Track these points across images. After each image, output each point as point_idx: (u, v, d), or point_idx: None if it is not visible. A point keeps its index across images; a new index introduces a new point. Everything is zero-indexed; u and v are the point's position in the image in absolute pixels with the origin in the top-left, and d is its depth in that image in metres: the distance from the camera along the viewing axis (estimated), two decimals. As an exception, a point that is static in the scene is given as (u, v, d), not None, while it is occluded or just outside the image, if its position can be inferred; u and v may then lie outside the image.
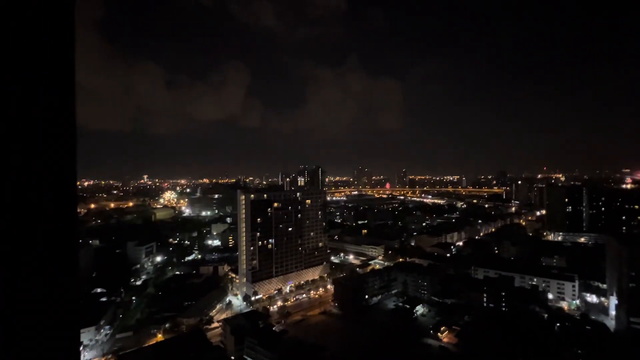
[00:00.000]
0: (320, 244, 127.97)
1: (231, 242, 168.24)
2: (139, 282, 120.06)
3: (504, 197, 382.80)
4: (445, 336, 80.00)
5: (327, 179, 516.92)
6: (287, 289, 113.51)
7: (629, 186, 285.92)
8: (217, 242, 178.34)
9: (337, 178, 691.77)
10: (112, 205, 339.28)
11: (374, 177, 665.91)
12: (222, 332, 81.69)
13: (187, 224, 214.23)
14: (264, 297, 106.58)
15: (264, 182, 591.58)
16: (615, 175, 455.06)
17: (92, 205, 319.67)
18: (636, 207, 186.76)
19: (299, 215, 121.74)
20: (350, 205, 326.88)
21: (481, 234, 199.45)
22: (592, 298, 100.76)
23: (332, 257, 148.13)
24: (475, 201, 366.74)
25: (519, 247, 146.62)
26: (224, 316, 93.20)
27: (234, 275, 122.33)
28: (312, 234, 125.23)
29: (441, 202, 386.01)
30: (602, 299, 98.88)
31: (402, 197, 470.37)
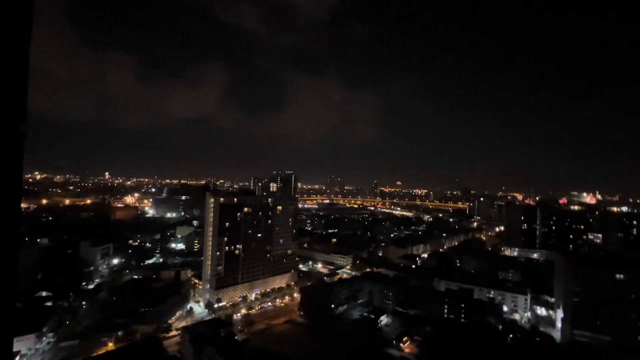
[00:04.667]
0: (289, 252, 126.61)
1: (196, 246, 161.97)
2: (91, 286, 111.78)
3: (467, 212, 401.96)
4: (407, 346, 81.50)
5: (299, 187, 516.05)
6: (253, 297, 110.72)
7: (576, 208, 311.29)
8: (181, 246, 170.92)
9: (310, 186, 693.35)
10: (66, 201, 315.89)
11: (346, 187, 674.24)
12: (181, 340, 77.74)
13: (150, 226, 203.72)
14: (228, 305, 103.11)
15: (235, 186, 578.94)
16: (564, 197, 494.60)
17: (44, 201, 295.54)
18: (581, 227, 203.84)
19: (270, 221, 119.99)
20: (321, 214, 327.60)
21: (445, 247, 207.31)
22: (541, 311, 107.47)
23: (301, 265, 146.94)
24: (440, 215, 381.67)
25: (479, 261, 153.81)
26: (183, 324, 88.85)
27: (197, 281, 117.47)
28: (281, 241, 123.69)
29: (409, 214, 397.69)
30: (550, 312, 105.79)
31: (372, 208, 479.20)
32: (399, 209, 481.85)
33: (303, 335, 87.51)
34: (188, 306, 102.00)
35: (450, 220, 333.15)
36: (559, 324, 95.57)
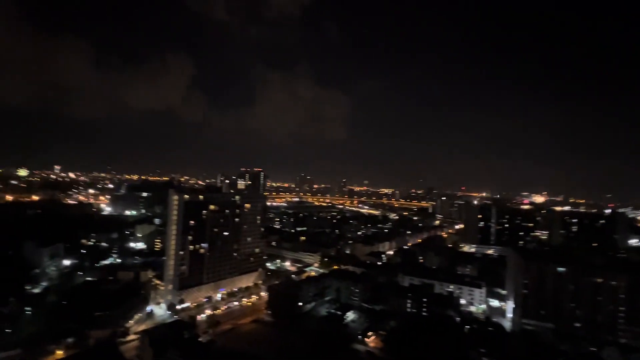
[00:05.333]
0: (257, 250, 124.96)
1: (158, 246, 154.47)
2: (37, 290, 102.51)
3: (430, 211, 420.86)
4: (372, 341, 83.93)
5: (268, 184, 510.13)
6: (219, 297, 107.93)
7: (526, 207, 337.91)
8: (141, 245, 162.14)
9: (279, 184, 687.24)
10: (9, 197, 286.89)
11: (315, 185, 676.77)
12: (140, 344, 73.88)
13: (107, 224, 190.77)
14: (192, 306, 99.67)
15: (201, 183, 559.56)
16: (516, 197, 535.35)
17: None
18: (530, 225, 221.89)
19: (237, 219, 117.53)
20: (290, 212, 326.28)
21: (409, 244, 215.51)
22: (494, 303, 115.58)
23: (269, 264, 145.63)
24: (405, 213, 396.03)
25: (440, 257, 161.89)
26: (142, 327, 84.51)
27: (158, 281, 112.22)
28: (249, 239, 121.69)
29: (376, 212, 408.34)
30: (502, 303, 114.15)
31: (341, 206, 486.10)
32: (366, 207, 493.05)
33: (270, 334, 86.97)
34: (148, 308, 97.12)
35: (415, 218, 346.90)
36: (509, 314, 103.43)
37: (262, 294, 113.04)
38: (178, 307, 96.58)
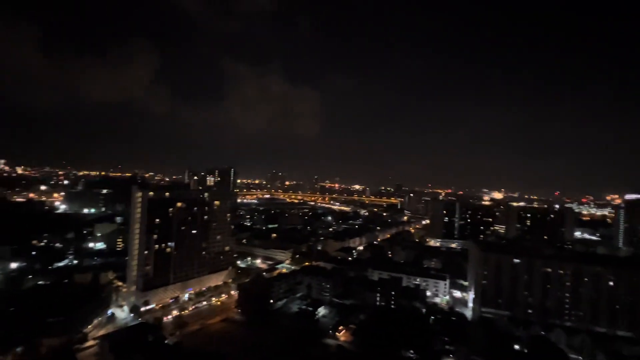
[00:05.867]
0: (227, 248, 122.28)
1: (120, 246, 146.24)
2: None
3: (399, 207, 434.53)
4: (342, 335, 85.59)
5: (239, 181, 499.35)
6: (186, 297, 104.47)
7: (486, 203, 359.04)
8: (101, 245, 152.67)
9: (250, 180, 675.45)
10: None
11: (287, 182, 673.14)
12: (99, 350, 69.85)
13: (61, 223, 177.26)
14: (157, 307, 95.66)
15: (167, 179, 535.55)
16: (477, 194, 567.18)
17: None
18: (490, 219, 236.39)
19: (206, 217, 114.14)
20: (261, 209, 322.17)
21: (379, 239, 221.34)
22: (457, 293, 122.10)
23: (239, 262, 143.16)
24: (375, 210, 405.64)
25: (408, 251, 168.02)
26: (103, 332, 79.92)
27: (120, 283, 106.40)
28: (218, 237, 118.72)
29: (347, 209, 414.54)
30: (464, 294, 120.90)
31: (312, 203, 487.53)
32: (337, 204, 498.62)
33: (240, 332, 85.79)
34: (109, 312, 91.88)
35: (384, 214, 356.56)
36: (470, 304, 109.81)
37: (233, 292, 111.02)
38: (142, 309, 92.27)
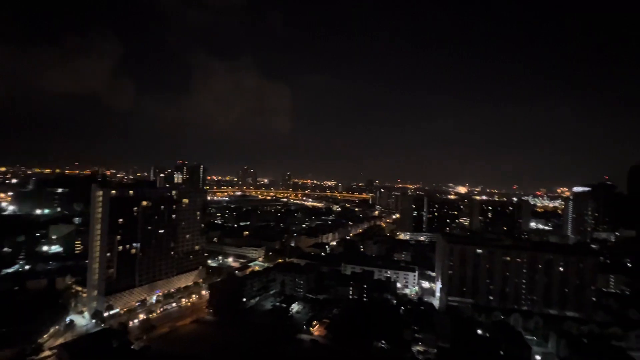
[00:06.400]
0: (197, 247, 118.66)
1: (79, 248, 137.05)
2: None
3: (371, 202, 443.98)
4: (316, 330, 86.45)
5: (209, 178, 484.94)
6: (154, 299, 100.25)
7: (452, 197, 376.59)
8: (57, 248, 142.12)
9: (220, 177, 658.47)
10: None
11: (259, 179, 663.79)
12: (58, 360, 65.37)
13: (9, 226, 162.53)
14: (122, 312, 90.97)
15: (131, 177, 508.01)
16: (444, 188, 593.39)
17: None
18: (455, 212, 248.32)
19: (174, 215, 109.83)
20: (233, 206, 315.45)
21: (351, 234, 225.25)
22: (426, 284, 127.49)
23: (210, 261, 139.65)
24: (348, 205, 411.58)
25: (379, 245, 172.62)
26: (61, 341, 74.75)
27: (80, 288, 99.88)
28: (187, 236, 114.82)
29: (320, 205, 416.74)
30: (432, 284, 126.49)
31: (285, 200, 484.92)
32: (310, 200, 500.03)
33: (211, 333, 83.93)
34: (67, 319, 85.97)
35: (356, 209, 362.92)
36: (438, 294, 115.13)
37: (204, 292, 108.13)
38: (105, 314, 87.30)
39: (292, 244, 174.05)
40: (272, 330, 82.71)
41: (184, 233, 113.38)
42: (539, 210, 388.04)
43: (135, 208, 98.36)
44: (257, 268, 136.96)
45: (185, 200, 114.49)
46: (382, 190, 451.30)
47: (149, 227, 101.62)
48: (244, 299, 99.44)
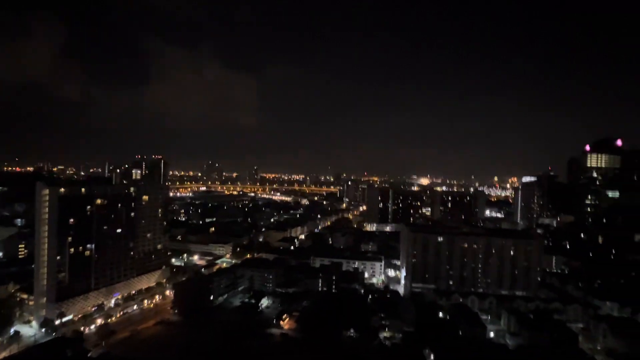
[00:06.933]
0: (159, 246, 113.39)
1: (23, 252, 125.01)
2: None
3: (339, 195, 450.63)
4: (286, 323, 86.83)
5: (171, 173, 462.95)
6: (112, 303, 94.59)
7: (415, 189, 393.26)
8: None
9: (183, 173, 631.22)
10: None
11: (225, 174, 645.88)
12: (2, 375, 59.74)
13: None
14: (76, 318, 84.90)
15: (82, 174, 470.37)
16: (407, 180, 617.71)
17: None
18: (419, 203, 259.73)
19: (133, 214, 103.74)
20: (197, 202, 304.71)
21: (320, 227, 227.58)
22: (391, 273, 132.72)
23: (174, 260, 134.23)
24: (316, 198, 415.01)
25: (347, 237, 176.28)
26: (5, 354, 68.20)
27: (25, 295, 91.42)
28: (148, 235, 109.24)
29: (288, 199, 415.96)
30: (397, 272, 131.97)
31: (253, 194, 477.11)
32: (278, 194, 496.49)
33: (177, 334, 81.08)
34: (11, 330, 78.47)
35: (324, 202, 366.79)
36: (402, 281, 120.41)
37: (167, 293, 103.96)
38: (57, 322, 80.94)
39: (261, 239, 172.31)
40: (240, 327, 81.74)
41: (144, 232, 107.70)
42: (492, 199, 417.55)
43: (89, 207, 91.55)
44: (224, 265, 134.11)
45: (145, 198, 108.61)
46: (349, 183, 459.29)
47: (105, 227, 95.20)
48: (211, 297, 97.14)
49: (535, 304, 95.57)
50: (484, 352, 68.95)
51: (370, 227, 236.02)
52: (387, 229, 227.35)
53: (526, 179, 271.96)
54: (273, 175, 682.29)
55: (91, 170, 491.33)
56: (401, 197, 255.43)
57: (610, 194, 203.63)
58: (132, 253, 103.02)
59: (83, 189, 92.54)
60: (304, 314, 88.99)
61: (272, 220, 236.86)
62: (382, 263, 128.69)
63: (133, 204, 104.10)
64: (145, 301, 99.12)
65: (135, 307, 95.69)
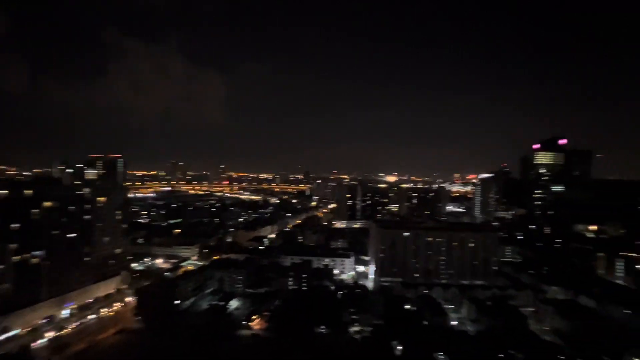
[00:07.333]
0: (118, 251, 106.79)
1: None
2: None
3: (308, 193, 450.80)
4: (257, 324, 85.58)
5: (130, 173, 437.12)
6: (66, 313, 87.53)
7: (382, 186, 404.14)
8: None
9: (145, 172, 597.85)
10: None
11: (191, 173, 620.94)
12: None
13: None
14: (23, 332, 77.56)
15: (27, 173, 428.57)
16: (375, 177, 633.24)
17: None
18: (386, 200, 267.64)
19: (87, 217, 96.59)
20: (160, 203, 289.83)
21: (290, 225, 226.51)
22: (361, 268, 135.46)
23: (136, 264, 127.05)
24: (286, 197, 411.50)
25: (317, 235, 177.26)
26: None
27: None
28: (106, 239, 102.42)
29: (257, 198, 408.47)
30: (366, 268, 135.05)
31: (220, 194, 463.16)
32: (247, 193, 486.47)
33: (140, 342, 76.93)
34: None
35: (294, 201, 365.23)
36: (371, 276, 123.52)
37: (129, 299, 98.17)
38: (1, 337, 73.41)
39: (229, 240, 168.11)
40: (209, 330, 79.31)
41: (101, 236, 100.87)
42: (454, 195, 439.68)
43: (35, 210, 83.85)
44: (191, 267, 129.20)
45: (102, 199, 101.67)
46: (318, 181, 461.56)
47: (55, 232, 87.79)
48: (177, 301, 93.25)
49: (493, 291, 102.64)
50: (446, 339, 72.81)
51: (340, 224, 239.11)
52: (357, 225, 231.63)
53: (484, 175, 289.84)
54: (241, 174, 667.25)
55: (36, 170, 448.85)
56: (369, 194, 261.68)
57: (555, 188, 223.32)
58: (87, 259, 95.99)
59: (28, 191, 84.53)
60: (274, 313, 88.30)
61: (240, 219, 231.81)
62: (352, 259, 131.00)
63: (88, 206, 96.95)
64: (104, 309, 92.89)
65: (92, 316, 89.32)
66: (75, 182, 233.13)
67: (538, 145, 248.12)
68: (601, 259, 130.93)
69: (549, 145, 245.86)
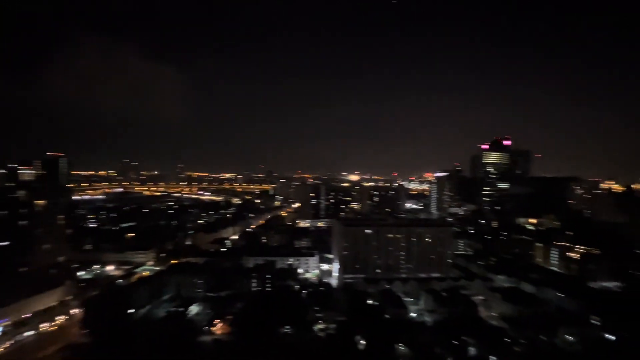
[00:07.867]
0: (61, 259, 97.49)
1: None
2: None
3: (271, 193, 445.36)
4: (219, 328, 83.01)
5: (75, 173, 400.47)
6: (-3, 332, 78.04)
7: (345, 185, 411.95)
8: None
9: (93, 172, 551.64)
10: None
11: (144, 172, 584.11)
12: None
13: None
14: (-57, 356, 67.91)
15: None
16: (338, 176, 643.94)
17: None
18: (349, 198, 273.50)
19: (23, 222, 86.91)
20: (110, 206, 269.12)
21: (253, 226, 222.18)
22: (325, 267, 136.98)
23: (82, 272, 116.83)
24: (248, 197, 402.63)
25: (281, 235, 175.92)
26: None
27: None
28: (46, 246, 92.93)
29: (219, 198, 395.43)
30: (330, 266, 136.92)
31: (178, 195, 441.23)
32: (208, 193, 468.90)
33: (86, 358, 71.00)
34: None
35: (257, 201, 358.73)
36: (335, 273, 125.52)
37: (73, 312, 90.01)
38: None
39: (188, 243, 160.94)
40: (167, 339, 75.28)
41: (40, 243, 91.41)
42: (412, 192, 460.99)
43: (-43, 217, 73.81)
44: (146, 273, 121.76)
45: (40, 202, 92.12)
46: (282, 180, 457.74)
47: (-17, 240, 77.98)
48: (131, 310, 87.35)
49: (447, 282, 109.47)
50: (406, 331, 76.33)
51: (304, 224, 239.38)
52: (320, 224, 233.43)
53: (439, 174, 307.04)
54: (201, 174, 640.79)
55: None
56: (332, 193, 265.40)
57: (501, 185, 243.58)
58: (23, 269, 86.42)
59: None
60: (237, 316, 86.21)
61: (200, 221, 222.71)
62: (316, 258, 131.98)
63: (24, 210, 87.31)
64: (45, 324, 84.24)
65: (30, 332, 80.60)
66: (7, 184, 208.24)
67: (487, 146, 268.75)
68: (539, 248, 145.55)
69: (495, 146, 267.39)
